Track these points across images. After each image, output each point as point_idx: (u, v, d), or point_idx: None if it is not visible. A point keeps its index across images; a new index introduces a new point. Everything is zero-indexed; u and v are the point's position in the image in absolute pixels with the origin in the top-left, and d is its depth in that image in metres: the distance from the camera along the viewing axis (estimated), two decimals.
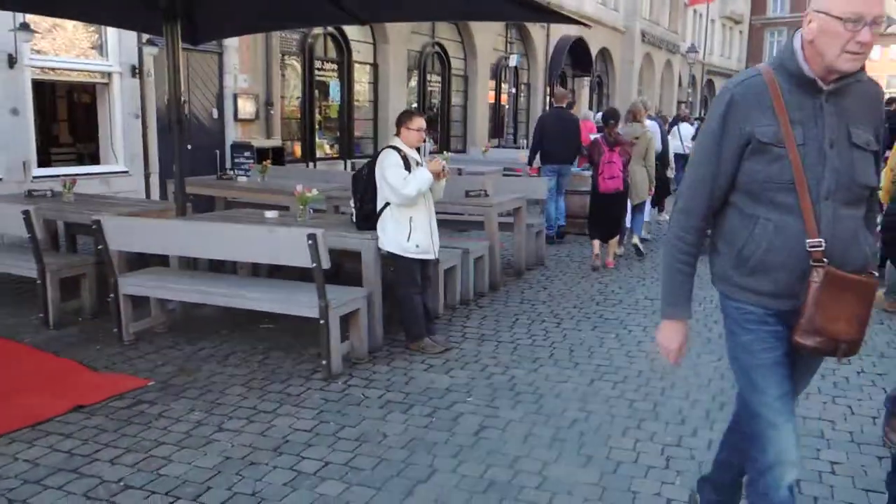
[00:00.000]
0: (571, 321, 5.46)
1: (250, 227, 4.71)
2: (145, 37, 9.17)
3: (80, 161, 10.97)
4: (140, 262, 5.38)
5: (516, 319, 5.49)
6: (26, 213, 5.05)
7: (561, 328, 5.28)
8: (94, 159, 9.98)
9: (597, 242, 7.41)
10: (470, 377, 4.30)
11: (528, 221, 7.02)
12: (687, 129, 12.51)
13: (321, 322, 4.20)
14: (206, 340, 4.98)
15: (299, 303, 4.34)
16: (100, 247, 4.84)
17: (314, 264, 4.11)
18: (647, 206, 8.85)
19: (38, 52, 8.61)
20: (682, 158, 10.80)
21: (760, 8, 42.06)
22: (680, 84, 32.14)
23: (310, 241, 4.07)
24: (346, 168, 13.23)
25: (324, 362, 4.28)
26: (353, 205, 4.95)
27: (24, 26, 7.86)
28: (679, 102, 27.62)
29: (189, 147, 10.36)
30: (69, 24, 8.87)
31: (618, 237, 7.42)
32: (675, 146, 10.47)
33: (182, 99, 5.58)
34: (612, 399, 3.96)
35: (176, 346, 4.89)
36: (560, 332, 5.18)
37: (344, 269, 6.07)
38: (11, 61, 8.12)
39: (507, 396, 4.00)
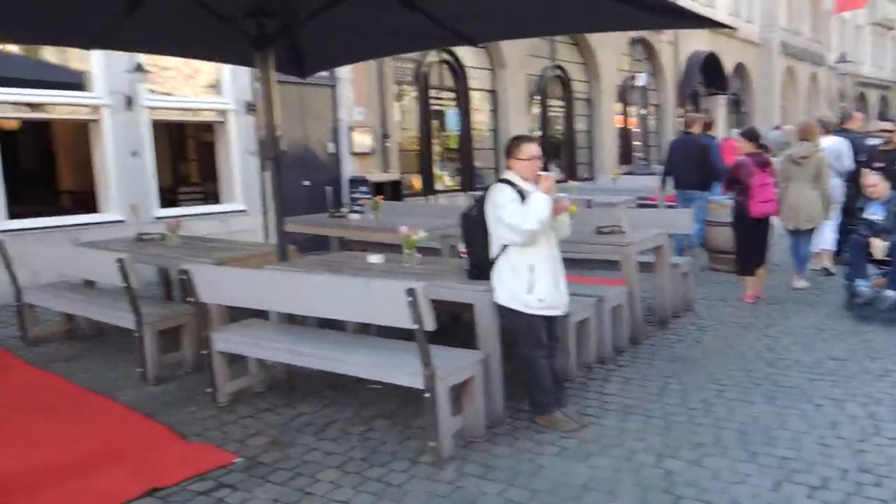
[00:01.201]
0: (737, 389, 4.41)
1: (342, 279, 4.05)
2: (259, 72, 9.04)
3: (206, 200, 11.02)
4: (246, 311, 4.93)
5: (666, 384, 4.52)
6: (120, 261, 4.73)
7: (725, 398, 4.26)
8: (216, 198, 9.94)
9: (750, 279, 6.60)
10: (613, 468, 3.41)
11: (671, 260, 6.04)
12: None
13: (426, 395, 3.49)
14: (307, 403, 4.42)
15: (400, 369, 3.65)
16: (190, 299, 4.42)
17: (416, 325, 3.41)
18: (829, 234, 7.61)
19: (156, 92, 8.61)
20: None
21: None
22: (835, 98, 29.41)
23: (409, 298, 3.37)
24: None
25: (431, 444, 3.54)
26: (463, 250, 4.24)
27: (139, 67, 7.81)
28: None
29: (307, 183, 10.19)
30: (184, 63, 8.85)
31: (765, 267, 6.60)
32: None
33: (279, 133, 5.11)
34: None
35: (274, 409, 4.37)
36: (725, 405, 4.16)
37: (462, 319, 5.38)
38: (129, 103, 8.14)
39: (662, 502, 3.09)
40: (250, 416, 4.27)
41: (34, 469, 3.66)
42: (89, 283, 5.88)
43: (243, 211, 9.49)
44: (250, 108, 9.34)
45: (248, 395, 4.56)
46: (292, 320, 4.84)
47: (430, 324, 3.39)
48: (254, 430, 4.06)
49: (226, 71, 9.17)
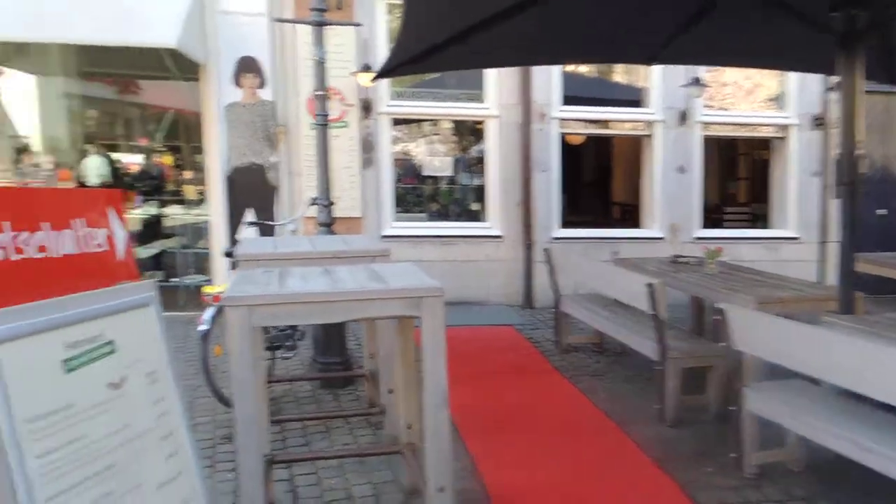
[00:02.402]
0: None
1: None
2: (833, 80, 7.72)
3: (754, 223, 10.16)
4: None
5: None
6: (650, 286, 4.35)
7: None
8: (766, 222, 9.02)
9: None
10: None
11: None
12: None
13: None
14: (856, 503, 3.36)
15: None
16: (722, 343, 3.74)
17: None
18: None
19: (711, 107, 8.16)
20: None
21: None
22: None
23: None
24: None
25: None
26: None
27: (696, 81, 7.44)
28: None
29: (882, 212, 8.42)
30: (744, 77, 8.18)
31: None
32: None
33: (859, 153, 3.98)
34: None
35: (812, 500, 3.43)
36: None
37: None
38: (682, 118, 7.86)
39: None
40: (779, 502, 3.41)
41: (535, 487, 3.55)
42: (620, 302, 5.73)
43: (795, 238, 8.32)
44: (817, 122, 8.08)
45: (779, 473, 3.70)
46: (854, 395, 3.74)
47: None
48: None
49: (792, 82, 8.16)
